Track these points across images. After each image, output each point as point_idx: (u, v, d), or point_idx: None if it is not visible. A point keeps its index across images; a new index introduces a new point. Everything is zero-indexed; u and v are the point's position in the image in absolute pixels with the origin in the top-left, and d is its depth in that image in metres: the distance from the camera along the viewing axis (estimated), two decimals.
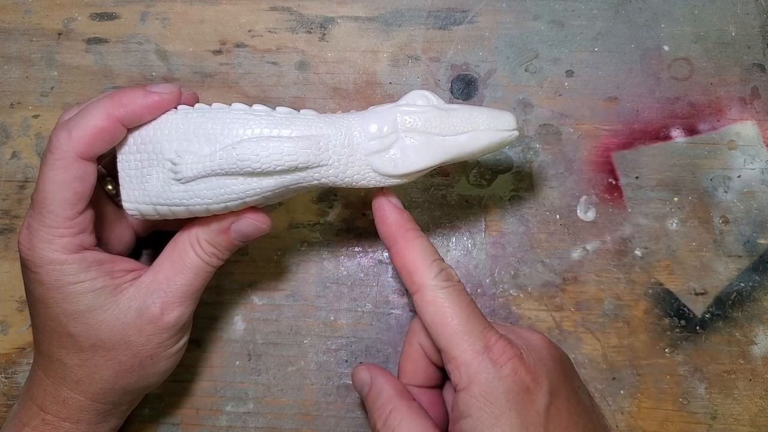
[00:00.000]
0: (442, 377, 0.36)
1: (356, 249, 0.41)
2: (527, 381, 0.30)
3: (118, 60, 0.43)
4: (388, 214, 0.34)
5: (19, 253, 0.32)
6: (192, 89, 0.42)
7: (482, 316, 0.32)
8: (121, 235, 0.37)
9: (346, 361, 0.40)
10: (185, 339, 0.36)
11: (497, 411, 0.29)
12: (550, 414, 0.30)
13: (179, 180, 0.31)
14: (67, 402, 0.33)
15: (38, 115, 0.42)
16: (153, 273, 0.33)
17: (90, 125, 0.31)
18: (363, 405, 0.39)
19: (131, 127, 0.32)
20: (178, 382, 0.39)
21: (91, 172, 0.32)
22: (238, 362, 0.40)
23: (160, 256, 0.34)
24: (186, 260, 0.33)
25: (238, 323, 0.40)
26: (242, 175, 0.31)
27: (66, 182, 0.31)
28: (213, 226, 0.33)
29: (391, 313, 0.40)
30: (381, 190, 0.35)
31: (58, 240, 0.31)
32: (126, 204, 0.33)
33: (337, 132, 0.32)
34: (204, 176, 0.31)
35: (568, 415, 0.31)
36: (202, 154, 0.31)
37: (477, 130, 0.33)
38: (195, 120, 0.32)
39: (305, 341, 0.40)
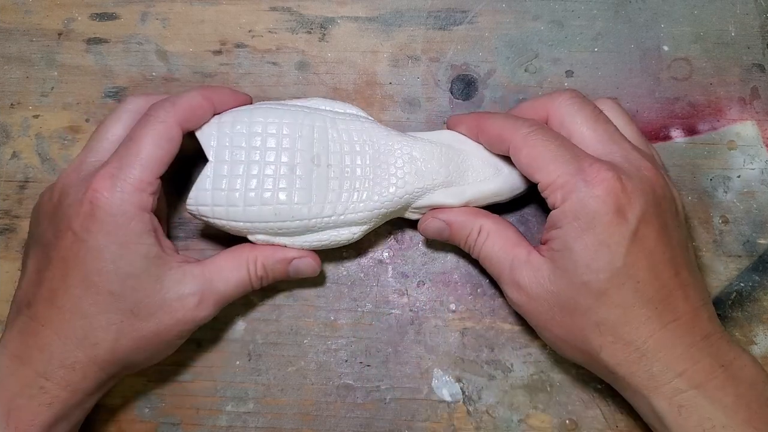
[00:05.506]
0: None
1: (356, 249, 0.41)
2: (621, 203, 0.31)
3: (118, 60, 0.43)
4: (459, 122, 0.38)
5: (86, 200, 0.32)
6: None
7: (574, 146, 0.33)
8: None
9: (346, 361, 0.40)
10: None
11: (584, 225, 0.31)
12: (637, 238, 0.31)
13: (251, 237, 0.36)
14: (75, 367, 0.32)
15: (38, 115, 0.42)
16: (202, 268, 0.35)
17: (189, 98, 0.35)
18: (363, 404, 0.39)
19: (217, 111, 0.36)
20: (178, 382, 0.39)
21: (178, 141, 0.35)
22: (238, 362, 0.40)
23: (215, 257, 0.36)
24: (237, 272, 0.36)
25: (238, 323, 0.40)
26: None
27: (162, 142, 0.34)
28: (278, 255, 0.36)
29: (391, 313, 0.40)
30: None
31: (138, 193, 0.33)
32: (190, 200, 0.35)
33: None
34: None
35: (655, 244, 0.32)
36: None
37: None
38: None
39: (305, 341, 0.40)
